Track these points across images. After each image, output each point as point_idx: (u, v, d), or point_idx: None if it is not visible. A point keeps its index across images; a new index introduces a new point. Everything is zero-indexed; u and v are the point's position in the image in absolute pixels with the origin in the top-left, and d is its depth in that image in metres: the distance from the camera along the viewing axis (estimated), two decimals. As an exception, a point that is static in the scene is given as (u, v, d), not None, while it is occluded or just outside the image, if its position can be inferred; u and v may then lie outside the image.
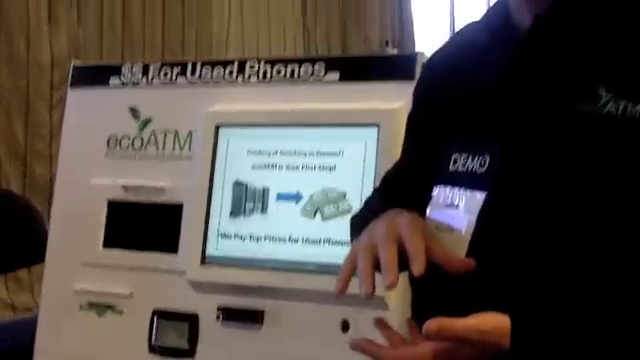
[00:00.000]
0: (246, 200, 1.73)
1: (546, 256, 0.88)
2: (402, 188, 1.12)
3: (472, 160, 0.98)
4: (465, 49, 1.08)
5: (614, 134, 0.86)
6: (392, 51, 5.62)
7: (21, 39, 3.69)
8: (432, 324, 0.82)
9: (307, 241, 1.67)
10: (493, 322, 0.83)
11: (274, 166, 1.72)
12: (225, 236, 1.73)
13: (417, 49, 5.74)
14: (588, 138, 0.87)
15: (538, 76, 0.94)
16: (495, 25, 1.03)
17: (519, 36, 0.98)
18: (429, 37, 6.18)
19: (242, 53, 4.61)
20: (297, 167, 1.70)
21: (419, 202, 1.03)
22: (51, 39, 3.75)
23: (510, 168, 0.93)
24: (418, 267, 0.85)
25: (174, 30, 4.25)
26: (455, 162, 1.00)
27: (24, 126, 3.69)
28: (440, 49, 1.15)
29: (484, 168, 0.96)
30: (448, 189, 1.00)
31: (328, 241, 1.65)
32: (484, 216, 0.94)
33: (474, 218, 0.94)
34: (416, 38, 5.80)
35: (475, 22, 1.10)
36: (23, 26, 3.70)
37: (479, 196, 0.95)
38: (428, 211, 1.02)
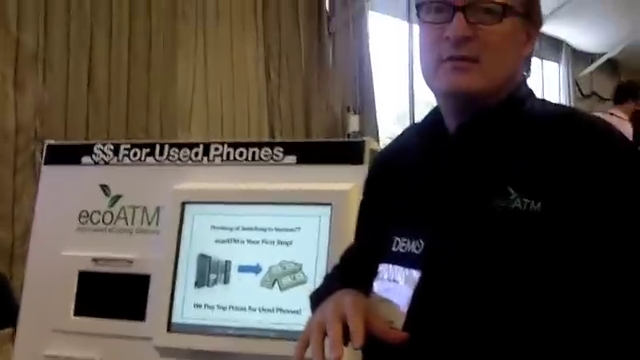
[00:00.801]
0: (210, 272, 1.84)
1: (468, 325, 1.05)
2: (355, 266, 1.29)
3: (410, 243, 1.15)
4: (406, 147, 1.26)
5: (521, 226, 1.04)
6: (353, 117, 5.78)
7: (-15, 103, 3.64)
8: None
9: (266, 309, 1.78)
10: None
11: (236, 240, 1.84)
12: (190, 305, 1.84)
13: (378, 114, 5.89)
14: (501, 229, 1.05)
15: (459, 175, 1.12)
16: (429, 128, 1.20)
17: (446, 140, 1.15)
18: (390, 102, 6.35)
19: (206, 118, 4.69)
20: (257, 241, 1.82)
21: (369, 278, 1.19)
22: (16, 103, 3.74)
23: (439, 253, 1.10)
24: (356, 343, 1.03)
25: (139, 94, 4.27)
26: (397, 244, 1.17)
27: (-14, 189, 3.64)
28: (387, 146, 1.34)
29: (419, 251, 1.13)
30: (390, 267, 1.18)
31: (285, 310, 1.77)
32: (419, 291, 1.10)
33: (411, 293, 1.10)
34: (377, 103, 5.94)
35: (416, 124, 1.27)
36: (-12, 90, 3.66)
37: (415, 274, 1.12)
38: (374, 285, 1.19)
